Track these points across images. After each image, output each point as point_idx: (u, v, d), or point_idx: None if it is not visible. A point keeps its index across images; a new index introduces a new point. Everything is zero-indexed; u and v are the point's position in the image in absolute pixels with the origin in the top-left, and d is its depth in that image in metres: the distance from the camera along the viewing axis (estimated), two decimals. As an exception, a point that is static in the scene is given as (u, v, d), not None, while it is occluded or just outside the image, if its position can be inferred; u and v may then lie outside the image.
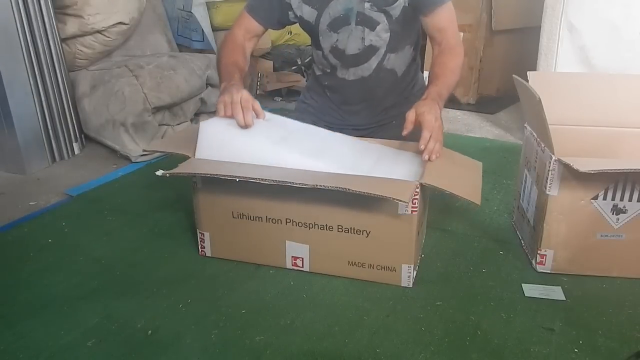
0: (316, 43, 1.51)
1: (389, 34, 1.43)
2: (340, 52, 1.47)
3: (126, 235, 1.44)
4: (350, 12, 1.40)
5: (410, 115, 1.20)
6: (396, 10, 1.39)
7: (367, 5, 1.38)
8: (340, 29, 1.43)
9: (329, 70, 1.53)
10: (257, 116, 1.25)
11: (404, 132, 1.20)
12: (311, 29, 1.46)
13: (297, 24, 1.51)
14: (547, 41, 2.12)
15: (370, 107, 1.56)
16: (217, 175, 1.14)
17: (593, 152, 1.45)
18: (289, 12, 1.45)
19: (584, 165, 1.10)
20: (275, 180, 1.10)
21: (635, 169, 1.11)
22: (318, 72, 1.58)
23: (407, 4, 1.38)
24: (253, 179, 1.11)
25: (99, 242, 1.41)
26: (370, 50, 1.45)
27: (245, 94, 1.23)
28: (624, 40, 1.98)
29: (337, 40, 1.44)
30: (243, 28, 1.47)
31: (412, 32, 1.48)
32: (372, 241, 1.18)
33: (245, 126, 1.21)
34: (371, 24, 1.41)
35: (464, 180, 1.22)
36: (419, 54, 1.58)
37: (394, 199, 1.04)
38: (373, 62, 1.47)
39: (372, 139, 1.43)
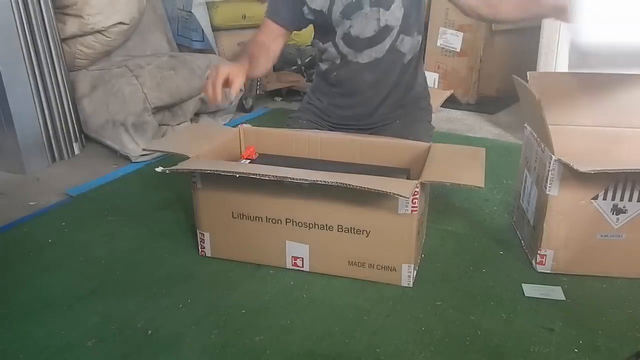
0: (326, 34, 1.50)
1: (402, 11, 1.43)
2: (353, 38, 1.47)
3: (126, 235, 1.44)
4: None
5: None
6: None
7: None
8: (353, 15, 1.43)
9: (338, 61, 1.52)
10: (231, 92, 1.28)
11: None
12: (324, 19, 1.46)
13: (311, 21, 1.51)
14: (547, 41, 2.12)
15: (377, 95, 1.54)
16: (216, 171, 1.14)
17: (593, 152, 1.45)
18: (304, 8, 1.46)
19: (583, 165, 1.10)
20: (275, 176, 1.10)
21: (635, 169, 1.11)
22: (325, 67, 1.56)
23: None
24: (253, 174, 1.11)
25: (99, 242, 1.41)
26: (386, 30, 1.45)
27: (222, 69, 1.26)
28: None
29: (350, 26, 1.45)
30: (265, 31, 1.49)
31: (420, 16, 1.49)
32: (372, 241, 1.18)
33: (214, 100, 1.26)
34: (386, 3, 1.42)
35: (464, 169, 1.22)
36: (422, 51, 1.58)
37: (394, 194, 1.04)
38: (387, 42, 1.47)
39: (375, 136, 1.42)
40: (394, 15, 1.43)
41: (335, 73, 1.55)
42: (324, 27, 1.50)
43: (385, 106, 1.54)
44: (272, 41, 1.49)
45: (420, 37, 1.52)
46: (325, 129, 1.55)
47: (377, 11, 1.42)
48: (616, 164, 1.16)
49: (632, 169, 1.11)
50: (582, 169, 1.08)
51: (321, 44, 1.53)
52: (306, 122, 1.55)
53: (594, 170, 1.09)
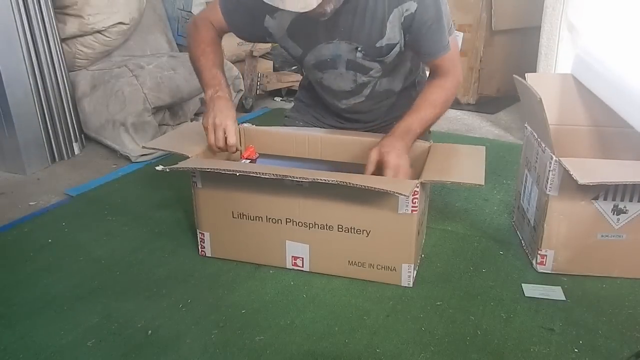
0: (303, 70, 1.45)
1: (381, 72, 1.38)
2: (327, 88, 1.42)
3: (126, 235, 1.44)
4: (338, 58, 1.33)
5: (373, 156, 1.18)
6: (390, 57, 1.32)
7: (359, 54, 1.31)
8: (326, 71, 1.37)
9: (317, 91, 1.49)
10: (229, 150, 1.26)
11: (366, 173, 1.18)
12: (295, 60, 1.40)
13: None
14: (547, 41, 2.12)
15: (369, 116, 1.53)
16: (217, 169, 1.14)
17: (593, 152, 1.45)
18: (267, 38, 1.36)
19: (583, 173, 1.09)
20: (276, 175, 1.10)
21: (634, 182, 1.11)
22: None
23: (402, 49, 1.31)
24: (253, 172, 1.11)
25: (99, 242, 1.41)
26: (363, 85, 1.40)
27: (214, 131, 1.22)
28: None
29: (322, 78, 1.39)
30: (217, 24, 1.35)
31: (406, 57, 1.41)
32: (372, 241, 1.18)
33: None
34: (363, 70, 1.35)
35: (464, 168, 1.22)
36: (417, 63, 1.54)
37: (395, 192, 1.04)
38: (366, 92, 1.43)
39: (376, 136, 1.42)
40: (372, 76, 1.37)
41: (322, 93, 1.51)
42: (298, 63, 1.42)
43: (381, 115, 1.53)
44: (220, 34, 1.38)
45: (409, 63, 1.44)
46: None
47: (354, 74, 1.36)
48: (616, 166, 1.16)
49: (631, 181, 1.12)
50: (582, 180, 1.08)
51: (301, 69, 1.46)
52: (303, 124, 1.54)
53: (594, 182, 1.09)
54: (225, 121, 1.22)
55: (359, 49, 1.29)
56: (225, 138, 1.23)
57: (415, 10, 1.20)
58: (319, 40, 1.30)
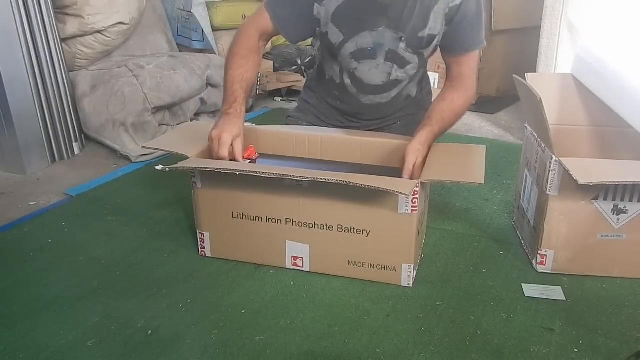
0: (332, 61, 1.43)
1: (416, 70, 1.42)
2: (358, 80, 1.42)
3: (126, 235, 1.44)
4: (379, 47, 1.34)
5: (408, 168, 1.23)
6: (429, 50, 1.37)
7: (402, 45, 1.33)
8: (363, 60, 1.37)
9: (339, 83, 1.47)
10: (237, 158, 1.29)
11: (404, 173, 1.24)
12: (331, 50, 1.39)
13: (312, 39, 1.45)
14: (547, 41, 2.12)
15: (379, 115, 1.54)
16: (216, 169, 1.15)
17: (593, 152, 1.46)
18: (317, 28, 1.36)
19: (583, 173, 1.09)
20: (275, 174, 1.10)
21: (634, 182, 1.11)
22: (328, 77, 1.50)
23: (438, 42, 1.35)
24: (253, 172, 1.11)
25: (99, 242, 1.41)
26: (394, 83, 1.42)
27: (222, 145, 1.24)
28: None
29: (356, 68, 1.39)
30: (262, 28, 1.35)
31: (425, 61, 1.46)
32: (372, 241, 1.18)
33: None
34: (402, 63, 1.37)
35: (464, 167, 1.22)
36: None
37: (394, 191, 1.04)
38: (393, 92, 1.45)
39: (375, 136, 1.42)
40: (407, 73, 1.41)
41: (337, 93, 1.51)
42: (330, 52, 1.42)
43: (384, 117, 1.53)
44: (262, 42, 1.38)
45: (423, 70, 1.48)
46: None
47: (391, 67, 1.38)
48: (616, 166, 1.16)
49: (631, 181, 1.12)
50: (582, 180, 1.08)
51: (327, 62, 1.46)
52: (306, 124, 1.54)
53: (594, 182, 1.09)
54: (220, 134, 1.25)
55: (403, 38, 1.32)
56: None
57: (461, 3, 1.27)
58: (364, 27, 1.31)
